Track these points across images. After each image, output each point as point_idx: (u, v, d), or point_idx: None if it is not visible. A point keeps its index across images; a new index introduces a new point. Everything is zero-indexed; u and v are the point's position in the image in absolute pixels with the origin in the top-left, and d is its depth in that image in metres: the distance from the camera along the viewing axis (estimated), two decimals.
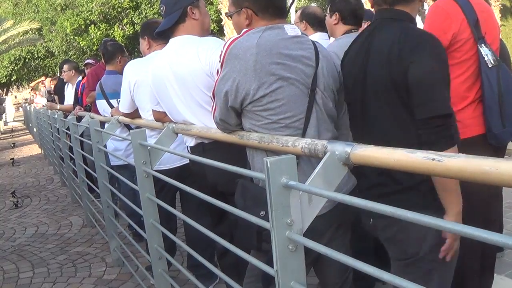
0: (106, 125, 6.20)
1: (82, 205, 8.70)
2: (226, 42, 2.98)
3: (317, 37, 5.12)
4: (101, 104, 6.81)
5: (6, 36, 28.66)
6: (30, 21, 32.54)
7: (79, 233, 7.95)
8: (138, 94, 4.95)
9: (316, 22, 5.29)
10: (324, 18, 5.22)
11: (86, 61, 10.11)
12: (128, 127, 5.97)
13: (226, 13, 3.32)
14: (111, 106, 6.47)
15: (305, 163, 2.78)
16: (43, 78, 22.81)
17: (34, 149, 20.92)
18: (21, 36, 32.10)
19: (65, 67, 10.35)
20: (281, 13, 3.04)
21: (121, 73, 5.60)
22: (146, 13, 35.69)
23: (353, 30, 4.35)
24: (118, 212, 5.73)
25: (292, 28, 2.96)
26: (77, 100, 9.27)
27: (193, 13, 3.91)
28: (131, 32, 35.89)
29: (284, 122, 2.79)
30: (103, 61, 7.46)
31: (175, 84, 3.80)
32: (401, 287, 1.53)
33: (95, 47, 34.69)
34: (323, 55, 2.95)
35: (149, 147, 3.75)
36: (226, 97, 2.87)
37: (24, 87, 54.27)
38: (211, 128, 3.39)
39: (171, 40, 3.98)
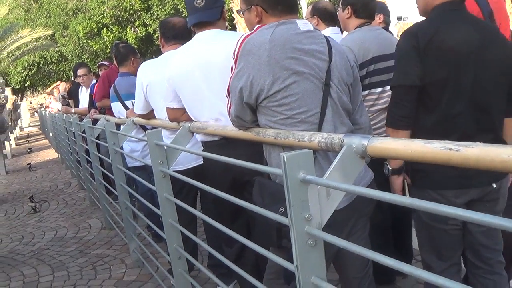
0: (122, 127, 6.21)
1: (100, 208, 8.73)
2: (240, 39, 2.97)
3: (329, 31, 5.11)
4: (116, 106, 6.82)
5: (20, 42, 28.77)
6: (44, 28, 32.66)
7: (98, 235, 7.97)
8: (152, 95, 4.96)
9: (327, 17, 5.27)
10: (335, 13, 5.21)
11: (100, 63, 10.15)
12: (143, 128, 5.98)
13: (237, 11, 3.32)
14: (126, 107, 6.49)
15: (322, 157, 2.77)
16: (58, 82, 22.86)
17: (51, 154, 21.00)
18: (34, 42, 32.22)
19: (84, 70, 10.38)
20: (291, 9, 3.03)
21: (134, 74, 5.61)
22: (158, 14, 35.81)
23: (366, 24, 4.34)
24: (136, 213, 5.75)
25: (304, 23, 2.96)
26: (92, 103, 9.29)
27: (223, 13, 3.96)
28: (143, 34, 36.01)
29: (299, 117, 2.78)
30: (115, 64, 7.48)
31: (209, 74, 3.82)
32: (421, 278, 1.52)
33: (108, 50, 34.80)
34: (336, 49, 2.94)
35: (165, 147, 3.75)
36: (241, 94, 2.88)
37: (38, 92, 54.49)
38: (227, 126, 3.39)
39: (200, 34, 3.98)
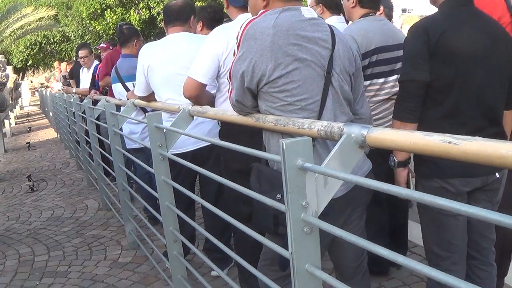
0: (122, 108, 6.21)
1: (97, 189, 8.76)
2: (243, 23, 2.97)
3: (334, 20, 5.10)
4: (117, 87, 6.84)
5: (23, 21, 28.72)
6: (47, 8, 32.59)
7: (94, 216, 8.00)
8: (152, 77, 4.95)
9: (332, 5, 5.26)
10: (340, 1, 5.20)
11: (98, 46, 10.16)
12: (144, 110, 5.99)
13: None
14: (127, 89, 6.50)
15: (321, 146, 2.77)
16: (56, 67, 22.85)
17: (50, 133, 21.04)
18: (37, 21, 32.16)
19: (85, 51, 10.38)
20: None
21: (136, 56, 5.61)
22: None
23: (370, 14, 4.34)
24: (134, 195, 5.75)
25: (309, 10, 2.96)
26: (94, 84, 9.29)
27: None
28: (147, 16, 35.87)
29: (299, 104, 2.78)
30: (119, 45, 7.49)
31: None
32: (414, 269, 1.53)
33: (111, 31, 34.73)
34: (339, 38, 2.93)
35: (164, 130, 3.75)
36: (243, 78, 2.87)
37: (39, 72, 54.45)
38: (227, 111, 3.38)
39: (246, 15, 3.96)
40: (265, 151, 3.02)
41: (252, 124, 2.97)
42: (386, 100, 4.20)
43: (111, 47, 9.68)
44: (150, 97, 5.10)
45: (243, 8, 4.01)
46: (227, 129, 3.96)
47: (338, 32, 3.01)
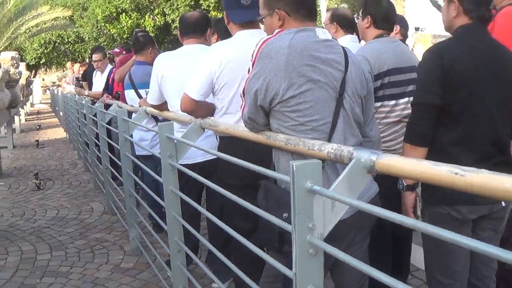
0: (134, 115, 6.25)
1: (104, 192, 8.79)
2: (259, 42, 3.00)
3: (347, 39, 5.14)
4: (129, 93, 6.85)
5: (39, 20, 28.82)
6: (63, 8, 32.70)
7: (99, 219, 8.02)
8: (166, 87, 4.99)
9: (346, 24, 5.31)
10: (354, 21, 5.23)
11: (111, 51, 10.19)
12: (155, 118, 6.02)
13: (257, 17, 3.36)
14: (140, 96, 6.52)
15: (329, 167, 2.79)
16: (69, 68, 22.89)
17: (59, 133, 21.06)
18: (52, 20, 32.25)
19: (98, 55, 10.43)
20: (312, 15, 3.07)
21: (150, 64, 5.65)
22: (177, 4, 35.75)
23: (384, 35, 4.36)
24: (140, 202, 5.78)
25: (323, 31, 2.99)
26: (107, 88, 9.31)
27: None
28: (161, 23, 35.97)
29: (311, 125, 2.80)
30: (133, 51, 7.54)
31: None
32: None
33: (126, 35, 34.84)
34: (352, 60, 2.96)
35: (175, 141, 3.78)
36: (256, 96, 2.90)
37: (52, 70, 54.58)
38: (239, 126, 3.41)
39: (244, 32, 4.05)
40: (274, 169, 3.05)
41: (263, 141, 2.99)
42: (397, 123, 4.22)
43: (124, 52, 9.70)
44: (163, 106, 5.13)
45: (244, 25, 4.06)
46: (225, 146, 3.98)
47: (351, 54, 3.04)
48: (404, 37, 5.69)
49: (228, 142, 3.93)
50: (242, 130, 3.30)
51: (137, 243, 6.14)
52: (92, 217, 8.17)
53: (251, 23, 4.07)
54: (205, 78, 4.05)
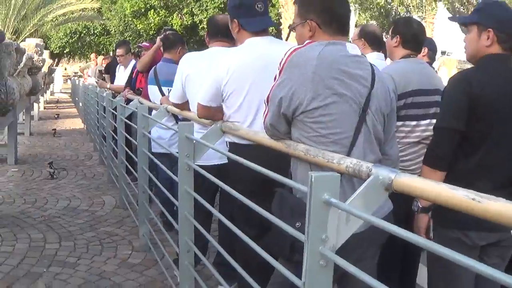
0: (154, 112, 6.27)
1: (117, 186, 8.84)
2: (288, 50, 3.03)
3: (374, 56, 5.15)
4: (152, 89, 6.87)
5: (66, 9, 28.93)
6: (92, 0, 32.82)
7: (110, 213, 8.04)
8: (189, 86, 5.01)
9: (374, 41, 5.32)
10: (382, 38, 5.24)
11: (139, 44, 10.21)
12: (175, 117, 6.03)
13: (289, 26, 3.38)
14: (162, 93, 6.53)
15: (346, 180, 2.80)
16: (91, 63, 22.95)
17: (77, 123, 21.12)
18: (80, 11, 32.36)
19: (122, 50, 10.48)
20: (343, 30, 3.09)
21: (177, 63, 5.66)
22: (207, 5, 35.89)
23: (411, 55, 4.36)
24: (153, 199, 5.79)
25: (353, 47, 3.01)
26: (130, 82, 9.34)
27: None
28: (189, 23, 36.10)
29: (332, 138, 2.82)
30: (161, 48, 7.58)
31: (263, 80, 3.86)
32: None
33: (152, 31, 34.97)
34: (378, 78, 2.98)
35: (194, 141, 3.79)
36: (280, 104, 2.92)
37: (75, 60, 54.81)
38: (259, 132, 3.43)
39: (257, 39, 4.08)
40: (291, 178, 3.06)
41: (282, 149, 3.01)
42: (416, 143, 4.22)
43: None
44: (184, 105, 5.14)
45: (257, 32, 4.09)
46: (234, 152, 3.99)
47: (379, 72, 3.06)
48: (431, 59, 5.69)
49: (236, 149, 3.95)
50: (262, 137, 3.31)
51: (146, 239, 6.15)
52: (103, 210, 8.19)
53: (263, 30, 4.12)
54: (212, 86, 4.09)
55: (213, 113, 4.18)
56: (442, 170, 3.29)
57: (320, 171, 2.42)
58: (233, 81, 3.97)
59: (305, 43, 3.05)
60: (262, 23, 4.12)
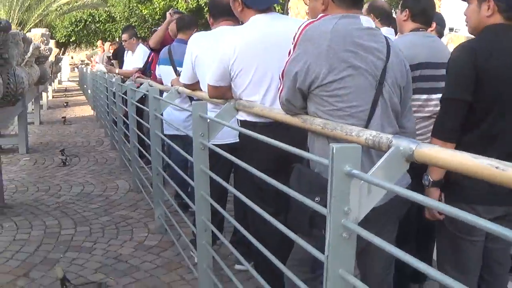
0: (165, 93, 6.26)
1: (129, 170, 8.85)
2: (301, 25, 3.01)
3: (384, 31, 5.10)
4: (166, 70, 6.85)
5: None
6: None
7: (124, 196, 8.06)
8: (199, 66, 5.00)
9: (383, 17, 5.29)
10: (391, 13, 5.21)
11: (154, 29, 10.23)
12: (190, 99, 6.02)
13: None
14: (177, 74, 6.49)
15: (364, 153, 2.79)
16: (98, 49, 22.93)
17: (87, 110, 21.19)
18: None
19: (125, 35, 10.48)
20: (357, 4, 3.07)
21: None
22: None
23: (420, 29, 4.34)
24: (166, 181, 5.79)
25: (367, 20, 2.99)
26: (146, 68, 9.33)
27: None
28: (194, 6, 35.99)
29: (349, 111, 2.81)
30: (168, 31, 7.59)
31: (271, 57, 3.88)
32: (447, 285, 1.55)
33: (158, 16, 34.90)
34: (394, 51, 2.97)
35: (208, 120, 3.79)
36: (295, 78, 2.91)
37: (81, 48, 54.81)
38: (274, 108, 3.42)
39: (261, 16, 4.04)
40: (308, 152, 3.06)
41: (299, 124, 3.00)
42: (427, 118, 4.19)
43: None
44: (195, 85, 5.14)
45: (262, 10, 4.06)
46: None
47: (393, 44, 3.05)
48: (439, 35, 5.65)
49: (248, 127, 3.92)
50: (277, 113, 3.31)
51: (162, 221, 6.15)
52: (117, 194, 8.22)
53: (267, 7, 4.09)
54: (220, 66, 4.07)
55: (223, 92, 4.18)
56: (452, 141, 3.26)
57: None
58: (240, 61, 3.95)
59: (318, 17, 3.04)
60: (266, 1, 4.08)
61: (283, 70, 3.07)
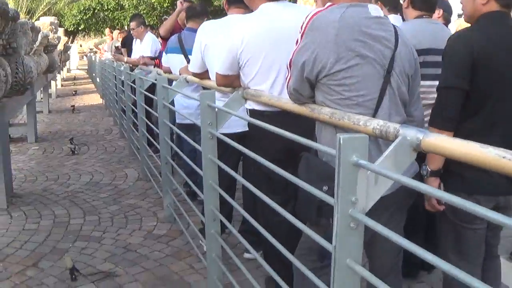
0: (174, 82, 6.26)
1: (138, 159, 8.86)
2: (309, 14, 3.00)
3: (391, 19, 5.07)
4: (176, 58, 6.82)
5: None
6: None
7: (133, 185, 8.09)
8: (209, 56, 5.00)
9: (390, 4, 5.28)
10: (398, 1, 5.20)
11: (165, 17, 10.24)
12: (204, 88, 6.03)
13: None
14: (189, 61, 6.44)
15: (371, 143, 2.78)
16: (107, 37, 22.89)
17: (95, 99, 21.23)
18: None
19: (133, 24, 10.47)
20: None
21: None
22: None
23: (424, 16, 4.33)
24: (175, 169, 5.80)
25: (375, 8, 2.97)
26: (160, 57, 9.33)
27: None
28: None
29: (356, 100, 2.81)
30: (177, 20, 7.61)
31: (279, 46, 3.86)
32: (454, 276, 1.56)
33: (166, 4, 34.90)
34: (402, 39, 2.96)
35: (216, 109, 3.78)
36: (303, 68, 2.90)
37: (90, 37, 54.83)
38: (282, 97, 3.41)
39: (270, 5, 4.01)
40: (316, 142, 3.05)
41: (307, 113, 3.00)
42: (431, 106, 4.18)
43: None
44: (204, 74, 5.14)
45: None
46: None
47: (402, 33, 3.03)
48: (446, 21, 5.63)
49: (257, 116, 3.92)
50: (285, 102, 3.31)
51: (171, 210, 6.17)
52: (126, 183, 8.24)
53: None
54: (229, 55, 4.06)
55: (231, 81, 4.17)
56: (450, 130, 3.25)
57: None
58: (248, 50, 3.94)
59: (326, 5, 3.03)
60: None
61: (291, 60, 3.07)
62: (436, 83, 4.00)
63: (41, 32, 10.19)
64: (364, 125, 2.44)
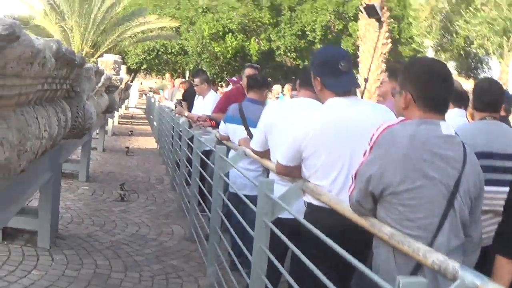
0: (231, 151, 6.28)
1: (186, 216, 8.85)
2: (381, 127, 3.02)
3: (455, 113, 5.06)
4: (235, 129, 6.71)
5: (145, 27, 29.38)
6: (171, 19, 33.35)
7: (178, 244, 8.00)
8: (271, 136, 4.96)
9: (456, 97, 5.07)
10: (465, 93, 5.13)
11: (229, 79, 10.33)
12: None
13: (392, 91, 3.36)
14: (250, 133, 6.30)
15: (428, 271, 2.74)
16: (167, 83, 23.08)
17: (150, 142, 21.39)
18: (159, 29, 32.82)
19: (197, 80, 10.54)
20: (438, 109, 3.01)
21: (263, 104, 5.67)
22: (284, 32, 36.21)
23: (486, 117, 4.23)
24: (222, 239, 5.79)
25: (447, 126, 2.95)
26: None
27: None
28: (266, 48, 36.40)
29: (418, 222, 2.80)
30: (241, 85, 7.68)
31: (348, 142, 3.83)
32: None
33: (229, 55, 35.40)
34: (470, 159, 2.93)
35: (273, 201, 3.79)
36: (368, 181, 2.91)
37: (151, 76, 55.62)
38: (343, 202, 3.38)
39: (340, 100, 3.98)
40: (372, 255, 3.04)
41: (366, 227, 2.99)
42: (484, 212, 3.87)
43: (240, 82, 9.71)
44: (266, 153, 5.10)
45: (339, 93, 4.00)
46: (312, 214, 3.93)
47: (471, 152, 3.00)
48: (507, 112, 5.48)
49: (315, 211, 3.90)
50: (345, 209, 3.28)
51: (213, 280, 6.14)
52: (172, 241, 8.17)
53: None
54: (292, 146, 4.04)
55: (291, 171, 4.15)
56: None
57: (403, 256, 2.42)
58: (312, 144, 3.91)
59: (398, 119, 3.03)
60: (345, 84, 4.02)
61: (357, 171, 3.07)
62: (490, 189, 3.74)
63: (104, 75, 10.35)
64: (424, 257, 2.43)
